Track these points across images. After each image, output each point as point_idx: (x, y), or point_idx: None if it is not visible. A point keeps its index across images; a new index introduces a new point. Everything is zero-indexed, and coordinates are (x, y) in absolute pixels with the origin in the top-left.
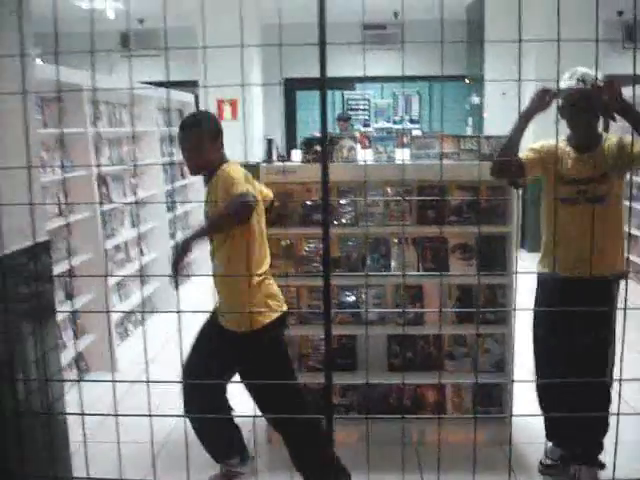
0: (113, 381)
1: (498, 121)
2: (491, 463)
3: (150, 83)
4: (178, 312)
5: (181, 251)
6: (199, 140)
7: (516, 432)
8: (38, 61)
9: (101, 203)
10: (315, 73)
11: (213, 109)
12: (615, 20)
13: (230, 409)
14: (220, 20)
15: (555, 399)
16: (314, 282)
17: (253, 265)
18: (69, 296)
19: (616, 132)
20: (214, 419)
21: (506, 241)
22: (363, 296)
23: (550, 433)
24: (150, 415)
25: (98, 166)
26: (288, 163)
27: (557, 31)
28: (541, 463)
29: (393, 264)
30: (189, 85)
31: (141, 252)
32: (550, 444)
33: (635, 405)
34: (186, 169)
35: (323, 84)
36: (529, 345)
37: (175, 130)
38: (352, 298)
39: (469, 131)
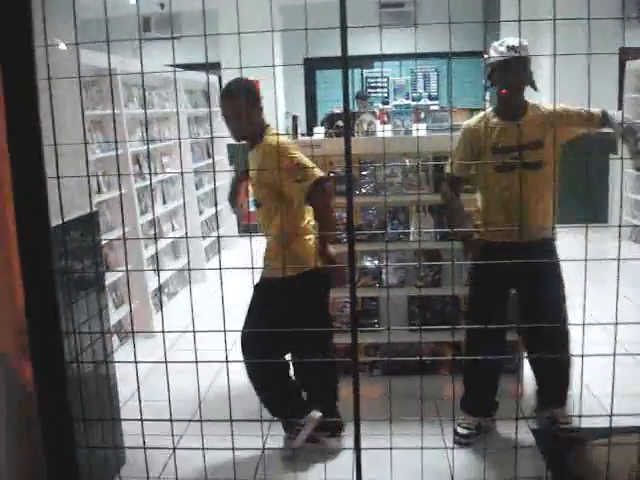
0: (163, 332)
1: None
2: (501, 412)
3: (175, 66)
4: (220, 269)
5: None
6: (242, 106)
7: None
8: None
9: (155, 174)
10: (334, 52)
11: None
12: None
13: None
14: (242, 1)
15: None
16: (338, 248)
17: (302, 223)
18: (107, 267)
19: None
20: (276, 381)
21: None
22: (384, 261)
23: (468, 403)
24: (197, 362)
25: (148, 141)
26: (313, 137)
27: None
28: (457, 433)
29: (412, 230)
30: (214, 67)
31: (172, 227)
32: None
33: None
34: (216, 147)
35: (345, 64)
36: None
37: (201, 111)
38: (374, 262)
39: (487, 105)
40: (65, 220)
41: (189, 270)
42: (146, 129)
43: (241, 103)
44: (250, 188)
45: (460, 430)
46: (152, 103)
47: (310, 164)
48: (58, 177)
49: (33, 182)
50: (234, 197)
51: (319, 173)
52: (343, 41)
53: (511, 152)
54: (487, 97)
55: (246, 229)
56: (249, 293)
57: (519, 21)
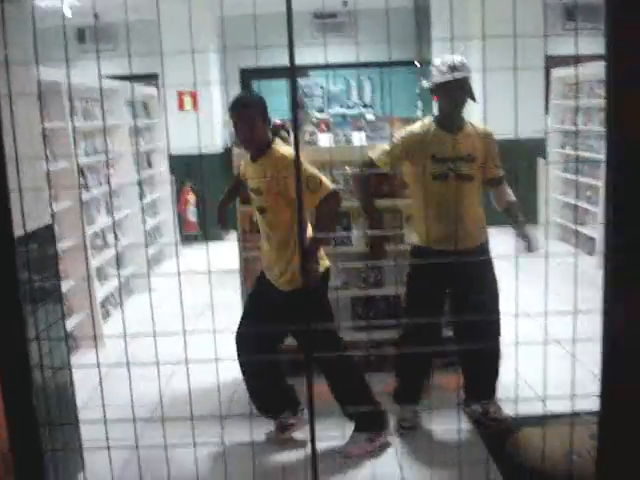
0: (125, 335)
1: None
2: (444, 404)
3: (112, 77)
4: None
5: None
6: (254, 118)
7: None
8: None
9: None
10: (270, 62)
11: (174, 100)
12: (556, 3)
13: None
14: (180, 12)
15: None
16: None
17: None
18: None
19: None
20: (270, 380)
21: None
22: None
23: (400, 395)
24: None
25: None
26: None
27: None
28: (401, 426)
29: (354, 234)
30: (151, 78)
31: (116, 237)
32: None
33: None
34: (153, 159)
35: (293, 73)
36: None
37: (141, 122)
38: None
39: (419, 114)
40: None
41: (148, 276)
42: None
43: (254, 115)
44: (253, 195)
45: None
46: (94, 115)
47: (320, 175)
48: (20, 190)
49: None
50: (223, 208)
51: (330, 184)
52: (291, 55)
53: (447, 162)
54: (419, 106)
55: (187, 238)
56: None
57: (451, 37)
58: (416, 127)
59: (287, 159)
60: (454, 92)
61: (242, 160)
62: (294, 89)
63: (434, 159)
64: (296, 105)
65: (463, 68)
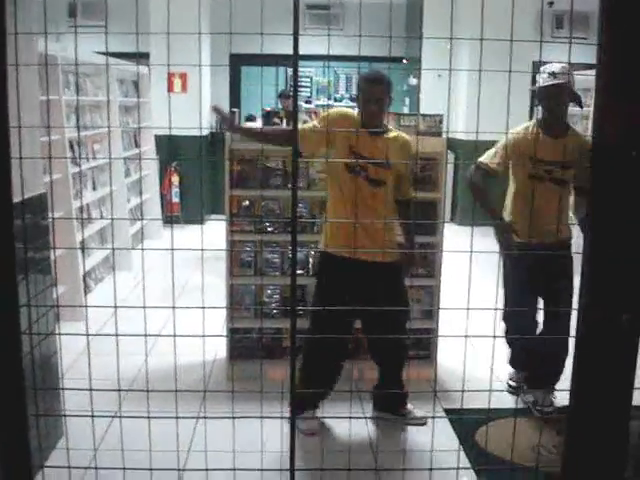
0: (115, 307)
1: (433, 101)
2: (418, 395)
3: (102, 54)
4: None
5: None
6: (387, 94)
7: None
8: None
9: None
10: (260, 49)
11: (164, 81)
12: (546, 10)
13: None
14: None
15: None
16: (269, 238)
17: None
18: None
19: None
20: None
21: (437, 206)
22: (312, 252)
23: (513, 360)
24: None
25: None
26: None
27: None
28: (508, 385)
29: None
30: (142, 57)
31: (101, 214)
32: (512, 370)
33: None
34: (141, 138)
35: (296, 63)
36: (452, 296)
37: (131, 100)
38: (303, 253)
39: (406, 110)
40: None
41: (142, 249)
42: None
43: (388, 91)
44: (372, 167)
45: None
46: (85, 91)
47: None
48: (20, 158)
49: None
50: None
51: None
52: (295, 45)
53: (545, 165)
54: (407, 103)
55: (169, 220)
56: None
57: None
58: (519, 129)
59: (410, 143)
60: (552, 99)
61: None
62: (296, 77)
63: (533, 160)
64: (296, 92)
65: (563, 75)
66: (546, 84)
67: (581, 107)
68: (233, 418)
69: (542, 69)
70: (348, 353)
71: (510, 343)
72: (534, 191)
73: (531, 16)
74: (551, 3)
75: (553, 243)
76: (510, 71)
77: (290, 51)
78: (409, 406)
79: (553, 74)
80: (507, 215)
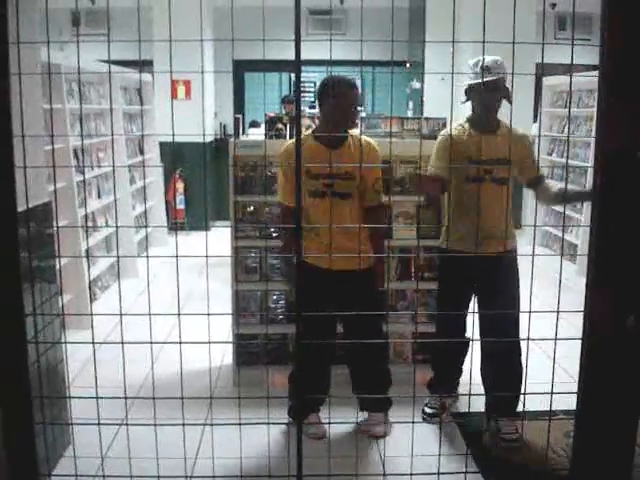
0: (121, 314)
1: (437, 104)
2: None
3: (106, 62)
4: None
5: None
6: (357, 100)
7: None
8: None
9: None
10: (263, 55)
11: (167, 89)
12: (549, 12)
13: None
14: (177, 1)
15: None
16: (273, 243)
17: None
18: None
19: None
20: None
21: (442, 209)
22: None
23: (438, 382)
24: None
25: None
26: (255, 138)
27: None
28: (424, 412)
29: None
30: (145, 64)
31: (106, 222)
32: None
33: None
34: (146, 145)
35: (298, 68)
36: None
37: (135, 108)
38: None
39: (410, 114)
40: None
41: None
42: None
43: (358, 97)
44: (339, 181)
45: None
46: (89, 99)
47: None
48: (25, 167)
49: (2, 170)
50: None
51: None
52: (297, 49)
53: (483, 165)
54: (410, 106)
55: (174, 226)
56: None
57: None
58: (454, 129)
59: (372, 145)
60: (485, 94)
61: (304, 152)
62: (298, 83)
63: (469, 161)
64: (299, 98)
65: (497, 69)
66: (484, 79)
67: (510, 103)
68: (240, 425)
69: (472, 63)
70: (333, 357)
71: (436, 364)
72: (474, 195)
73: (533, 18)
74: (554, 5)
75: (499, 253)
76: (513, 73)
77: (293, 56)
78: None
79: (487, 69)
80: (447, 223)
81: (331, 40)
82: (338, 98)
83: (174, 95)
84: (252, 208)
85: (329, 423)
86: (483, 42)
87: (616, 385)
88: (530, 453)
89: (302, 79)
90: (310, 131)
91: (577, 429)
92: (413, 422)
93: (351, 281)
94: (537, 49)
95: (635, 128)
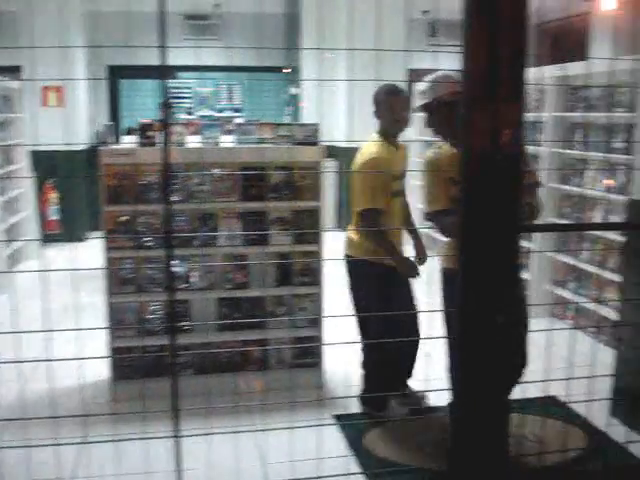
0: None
1: (315, 109)
2: (308, 403)
3: None
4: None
5: None
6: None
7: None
8: None
9: None
10: (139, 61)
11: (38, 95)
12: (420, 19)
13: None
14: (42, 5)
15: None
16: (149, 253)
17: None
18: None
19: None
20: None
21: (318, 215)
22: (194, 265)
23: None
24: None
25: None
26: (126, 146)
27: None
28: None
29: (221, 236)
30: (13, 71)
31: None
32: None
33: None
34: (14, 155)
35: (165, 74)
36: (336, 302)
37: (3, 116)
38: (183, 268)
39: (288, 120)
40: None
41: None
42: None
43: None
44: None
45: None
46: None
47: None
48: None
49: None
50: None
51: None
52: (162, 58)
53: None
54: (288, 112)
55: (48, 238)
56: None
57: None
58: (374, 150)
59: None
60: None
61: (375, 153)
62: (165, 90)
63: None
64: (168, 105)
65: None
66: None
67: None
68: (114, 441)
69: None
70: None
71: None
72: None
73: (405, 24)
74: (425, 11)
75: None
76: (377, 79)
77: (170, 62)
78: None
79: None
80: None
81: (202, 47)
82: (395, 104)
83: (44, 102)
84: (125, 218)
85: (212, 434)
86: (351, 49)
87: (486, 381)
88: (410, 452)
89: (179, 85)
90: (376, 136)
91: (452, 424)
92: (292, 427)
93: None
94: (408, 55)
95: (496, 131)
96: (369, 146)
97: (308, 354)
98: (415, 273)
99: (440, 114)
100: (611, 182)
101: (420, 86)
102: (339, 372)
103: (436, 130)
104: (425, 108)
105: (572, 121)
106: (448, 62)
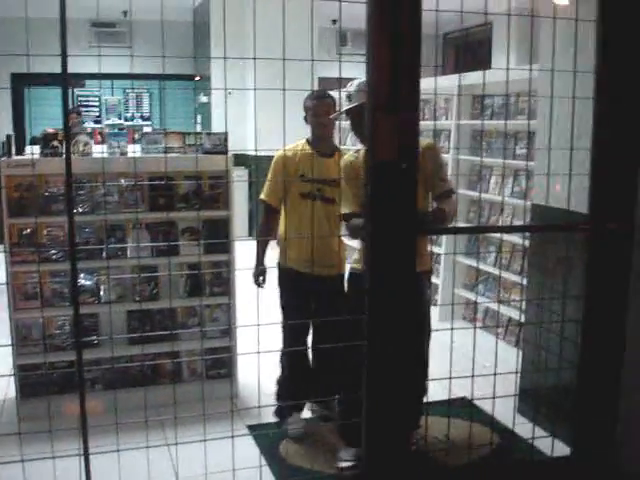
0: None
1: (225, 117)
2: (222, 414)
3: None
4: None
5: None
6: (333, 110)
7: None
8: None
9: None
10: (44, 69)
11: None
12: (330, 28)
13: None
14: None
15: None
16: (55, 267)
17: None
18: None
19: None
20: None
21: (228, 224)
22: (102, 278)
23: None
24: None
25: None
26: (27, 157)
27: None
28: (340, 469)
29: (129, 248)
30: None
31: None
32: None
33: None
34: None
35: (68, 82)
36: (251, 313)
37: None
38: (91, 281)
39: (198, 128)
40: None
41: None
42: None
43: (333, 108)
44: (326, 187)
45: None
46: None
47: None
48: None
49: None
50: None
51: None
52: (63, 65)
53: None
54: (198, 120)
55: None
56: None
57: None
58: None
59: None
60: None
61: (288, 151)
62: (66, 98)
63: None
64: (67, 114)
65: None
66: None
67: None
68: (22, 461)
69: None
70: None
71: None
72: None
73: (316, 33)
74: (335, 21)
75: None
76: (285, 89)
77: (77, 70)
78: None
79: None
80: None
81: (106, 55)
82: (311, 110)
83: None
84: (29, 230)
85: (122, 450)
86: (254, 58)
87: (395, 388)
88: (322, 459)
89: (86, 93)
90: (304, 140)
91: (365, 429)
92: (205, 440)
93: (327, 286)
94: (322, 64)
95: (399, 140)
96: (295, 145)
97: (221, 365)
98: (257, 284)
99: (363, 119)
100: (517, 188)
101: (343, 93)
102: (252, 382)
103: (360, 135)
104: (349, 113)
105: (476, 128)
106: (358, 71)
